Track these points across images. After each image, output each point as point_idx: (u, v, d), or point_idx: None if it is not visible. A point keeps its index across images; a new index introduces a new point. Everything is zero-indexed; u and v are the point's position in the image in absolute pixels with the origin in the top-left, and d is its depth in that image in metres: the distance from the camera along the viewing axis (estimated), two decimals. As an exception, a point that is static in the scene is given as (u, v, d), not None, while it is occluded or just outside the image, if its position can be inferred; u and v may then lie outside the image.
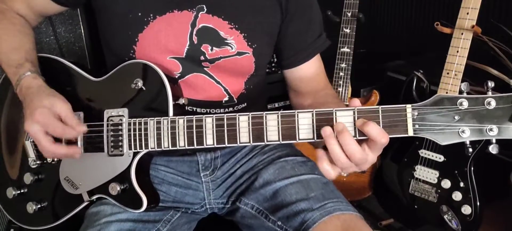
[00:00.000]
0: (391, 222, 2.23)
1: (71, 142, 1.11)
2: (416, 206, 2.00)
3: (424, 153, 1.92)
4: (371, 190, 2.26)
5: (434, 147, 1.90)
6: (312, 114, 0.92)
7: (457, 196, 1.85)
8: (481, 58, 1.86)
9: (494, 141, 0.84)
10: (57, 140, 1.08)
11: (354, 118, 0.89)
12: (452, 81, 1.79)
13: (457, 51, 1.78)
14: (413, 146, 1.96)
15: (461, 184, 1.84)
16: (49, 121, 1.04)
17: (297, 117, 0.93)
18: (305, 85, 1.33)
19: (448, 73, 1.80)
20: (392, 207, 2.14)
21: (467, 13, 1.74)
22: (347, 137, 0.87)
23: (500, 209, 2.06)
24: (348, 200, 1.18)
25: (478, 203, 1.82)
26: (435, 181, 1.91)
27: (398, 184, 2.05)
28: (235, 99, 1.25)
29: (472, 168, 1.81)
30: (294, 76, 1.33)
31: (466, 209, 1.84)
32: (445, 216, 1.90)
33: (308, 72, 1.31)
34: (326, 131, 0.88)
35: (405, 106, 0.86)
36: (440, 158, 1.89)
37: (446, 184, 1.88)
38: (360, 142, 0.89)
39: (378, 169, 2.17)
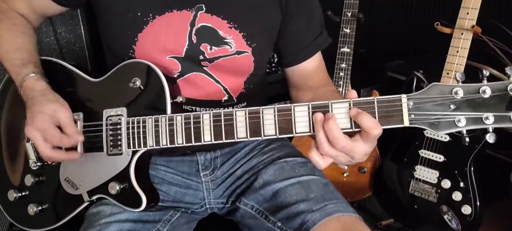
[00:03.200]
0: (391, 222, 2.23)
1: (71, 147, 1.12)
2: (416, 206, 2.00)
3: (424, 153, 1.92)
4: (371, 190, 2.25)
5: (434, 147, 1.90)
6: (308, 107, 0.92)
7: (457, 196, 1.85)
8: (481, 58, 1.85)
9: (491, 129, 0.84)
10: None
11: (350, 109, 0.89)
12: (452, 82, 1.78)
13: (457, 51, 1.77)
14: (413, 146, 1.96)
15: (461, 184, 1.84)
16: (47, 128, 1.06)
17: (294, 110, 0.93)
18: (305, 82, 1.33)
19: (448, 73, 1.80)
20: (392, 207, 2.14)
21: (467, 13, 1.74)
22: (331, 123, 0.87)
23: (500, 209, 2.05)
24: (348, 200, 1.19)
25: (478, 203, 1.81)
26: (435, 181, 1.91)
27: (398, 184, 2.05)
28: (234, 99, 1.26)
29: (472, 168, 1.81)
30: (295, 73, 1.33)
31: (466, 209, 1.83)
32: (445, 216, 1.90)
33: (309, 69, 1.32)
34: (317, 116, 0.89)
35: (400, 97, 0.86)
36: (440, 158, 1.88)
37: (446, 184, 1.88)
38: (353, 132, 0.89)
39: (378, 169, 2.17)
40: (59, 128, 1.08)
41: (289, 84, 1.38)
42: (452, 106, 0.84)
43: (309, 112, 0.92)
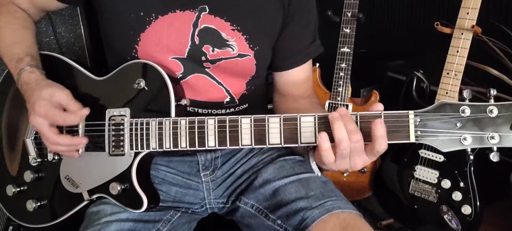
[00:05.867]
0: (391, 222, 2.23)
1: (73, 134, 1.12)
2: (416, 206, 2.00)
3: (424, 153, 1.92)
4: (371, 190, 2.25)
5: (434, 147, 1.90)
6: (315, 118, 0.92)
7: (457, 196, 1.85)
8: (481, 58, 1.85)
9: (495, 148, 0.84)
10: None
11: (357, 122, 0.90)
12: (452, 82, 1.78)
13: (457, 51, 1.77)
14: (413, 146, 1.96)
15: (461, 184, 1.84)
16: (49, 111, 1.05)
17: (300, 120, 0.93)
18: (291, 89, 1.33)
19: (448, 73, 1.80)
20: (392, 207, 2.14)
21: (467, 13, 1.74)
22: (348, 119, 0.89)
23: (500, 209, 2.06)
24: (348, 200, 1.18)
25: (478, 203, 1.81)
26: (435, 181, 1.91)
27: (398, 184, 2.05)
28: (236, 100, 1.25)
29: (472, 168, 1.81)
30: (282, 79, 1.32)
31: (466, 209, 1.84)
32: (445, 216, 1.90)
33: (297, 77, 1.31)
34: (334, 114, 0.89)
35: (408, 113, 0.87)
36: (440, 158, 1.89)
37: (446, 184, 1.88)
38: None
39: (378, 169, 2.17)
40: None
41: (274, 89, 1.37)
42: (458, 124, 0.84)
43: (315, 122, 0.92)
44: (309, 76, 1.35)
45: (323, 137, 0.90)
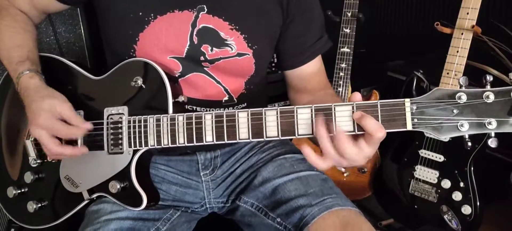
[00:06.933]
0: (391, 222, 2.23)
1: (72, 142, 1.12)
2: (416, 206, 2.00)
3: (424, 153, 1.92)
4: (371, 190, 2.25)
5: (434, 147, 1.90)
6: (311, 109, 0.92)
7: (457, 196, 1.85)
8: (481, 58, 1.85)
9: (493, 134, 0.84)
10: (59, 139, 1.09)
11: (353, 112, 0.89)
12: (452, 81, 1.78)
13: (457, 51, 1.77)
14: (413, 146, 1.96)
15: (461, 184, 1.84)
16: (52, 124, 1.05)
17: (296, 112, 0.93)
18: (304, 85, 1.33)
19: (448, 73, 1.80)
20: (392, 207, 2.14)
21: (467, 13, 1.74)
22: (342, 140, 0.88)
23: (500, 209, 2.05)
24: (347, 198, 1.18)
25: (478, 203, 1.81)
26: (435, 181, 1.91)
27: (398, 184, 2.05)
28: (235, 99, 1.26)
29: (472, 168, 1.81)
30: (294, 76, 1.33)
31: (466, 209, 1.83)
32: (445, 216, 1.90)
33: (308, 72, 1.32)
34: (320, 126, 0.89)
35: (404, 101, 0.87)
36: (440, 158, 1.88)
37: (446, 184, 1.88)
38: (357, 136, 0.90)
39: (378, 169, 2.17)
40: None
41: (288, 86, 1.38)
42: (455, 111, 0.84)
43: (311, 114, 0.92)
44: (320, 70, 1.35)
45: (307, 151, 0.92)
